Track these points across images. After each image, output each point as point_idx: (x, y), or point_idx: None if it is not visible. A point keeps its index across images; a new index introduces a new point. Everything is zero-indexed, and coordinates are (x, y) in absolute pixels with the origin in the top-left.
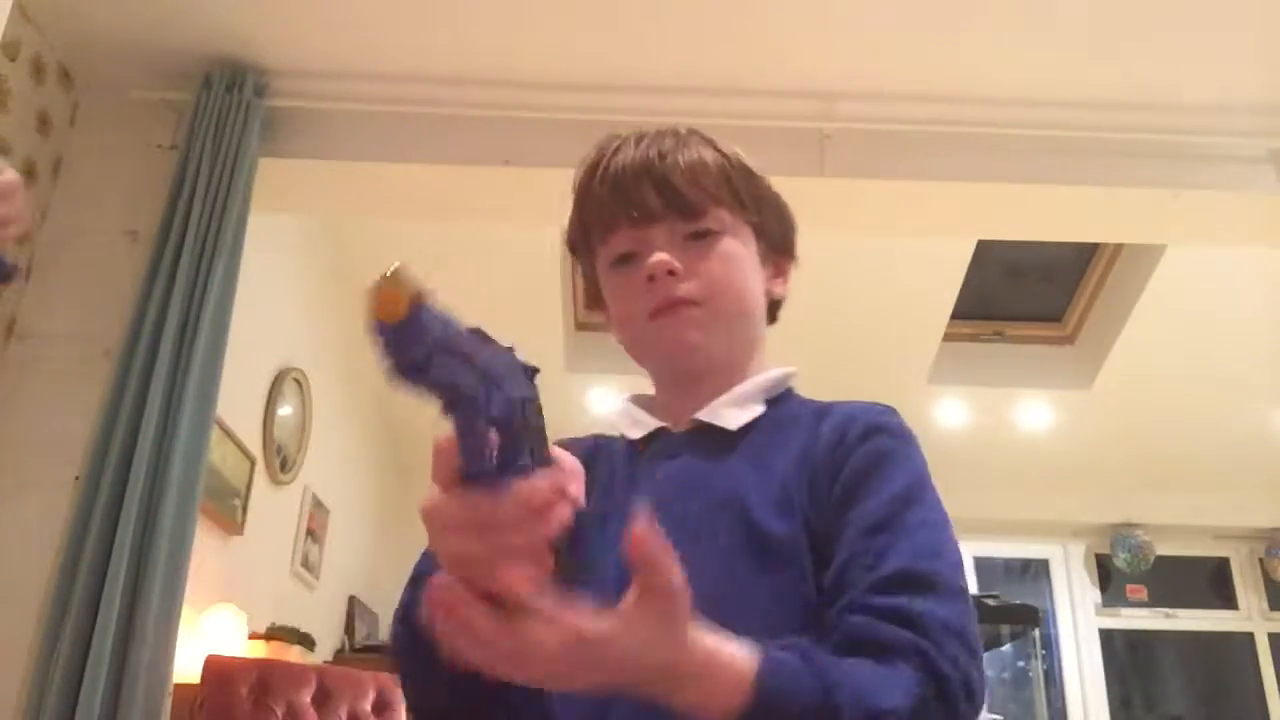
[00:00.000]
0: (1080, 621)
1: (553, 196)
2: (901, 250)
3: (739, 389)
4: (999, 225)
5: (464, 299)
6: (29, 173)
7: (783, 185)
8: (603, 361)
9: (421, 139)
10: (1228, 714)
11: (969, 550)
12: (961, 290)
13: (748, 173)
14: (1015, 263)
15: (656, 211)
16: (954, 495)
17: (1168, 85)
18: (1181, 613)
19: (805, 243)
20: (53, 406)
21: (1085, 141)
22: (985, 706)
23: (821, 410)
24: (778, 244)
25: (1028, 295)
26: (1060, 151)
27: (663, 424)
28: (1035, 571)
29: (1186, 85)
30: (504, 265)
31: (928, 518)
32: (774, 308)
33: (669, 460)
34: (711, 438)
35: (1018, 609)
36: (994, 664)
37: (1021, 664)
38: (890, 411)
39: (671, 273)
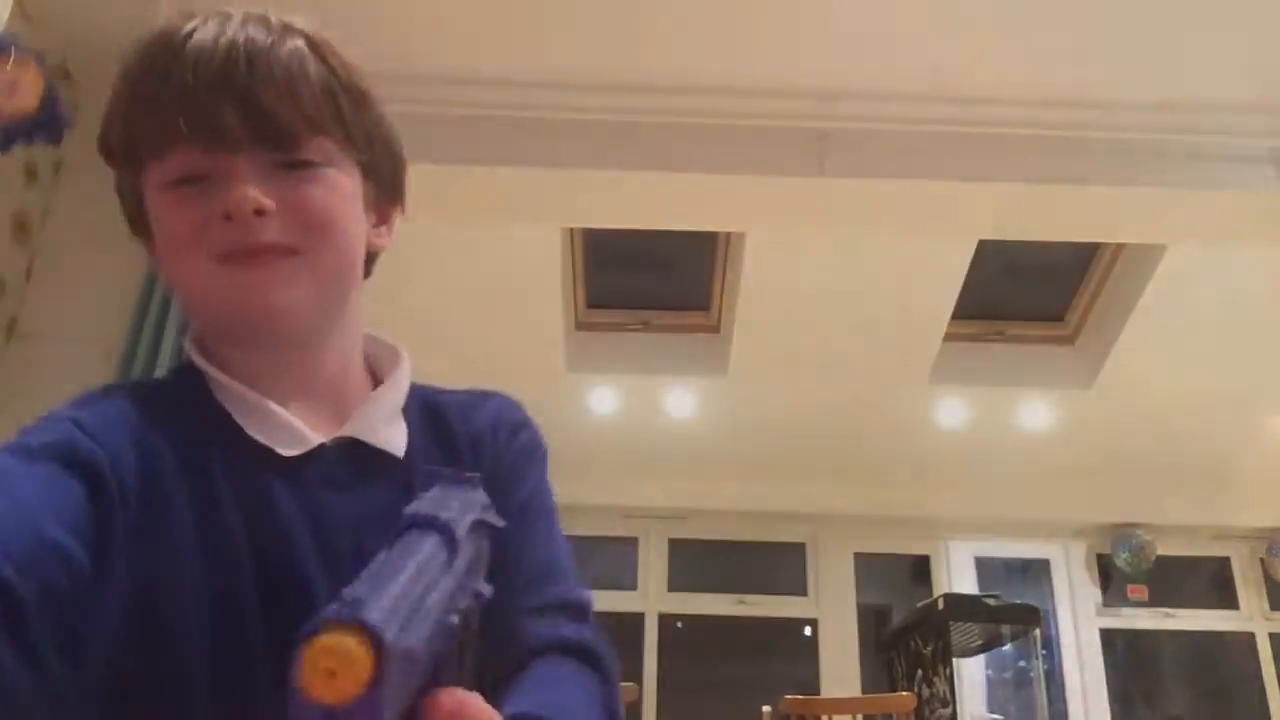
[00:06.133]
0: (1081, 621)
1: (554, 196)
2: (902, 250)
3: (384, 397)
4: (999, 225)
5: (465, 300)
6: (29, 173)
7: (784, 185)
8: (604, 361)
9: (422, 139)
10: (1228, 714)
11: (970, 550)
12: (962, 290)
13: (360, 96)
14: (1016, 263)
15: (239, 139)
16: (954, 495)
17: (1168, 85)
18: (1182, 613)
19: (806, 242)
20: (53, 407)
21: (1086, 141)
22: (985, 706)
23: (453, 411)
24: (387, 187)
25: (1028, 295)
26: (1060, 152)
27: (315, 436)
28: (1036, 571)
29: (1187, 85)
30: (504, 265)
31: (558, 528)
32: (370, 262)
33: (339, 492)
34: (370, 460)
35: (1018, 609)
36: (995, 664)
37: (1022, 664)
38: (521, 406)
39: (259, 212)
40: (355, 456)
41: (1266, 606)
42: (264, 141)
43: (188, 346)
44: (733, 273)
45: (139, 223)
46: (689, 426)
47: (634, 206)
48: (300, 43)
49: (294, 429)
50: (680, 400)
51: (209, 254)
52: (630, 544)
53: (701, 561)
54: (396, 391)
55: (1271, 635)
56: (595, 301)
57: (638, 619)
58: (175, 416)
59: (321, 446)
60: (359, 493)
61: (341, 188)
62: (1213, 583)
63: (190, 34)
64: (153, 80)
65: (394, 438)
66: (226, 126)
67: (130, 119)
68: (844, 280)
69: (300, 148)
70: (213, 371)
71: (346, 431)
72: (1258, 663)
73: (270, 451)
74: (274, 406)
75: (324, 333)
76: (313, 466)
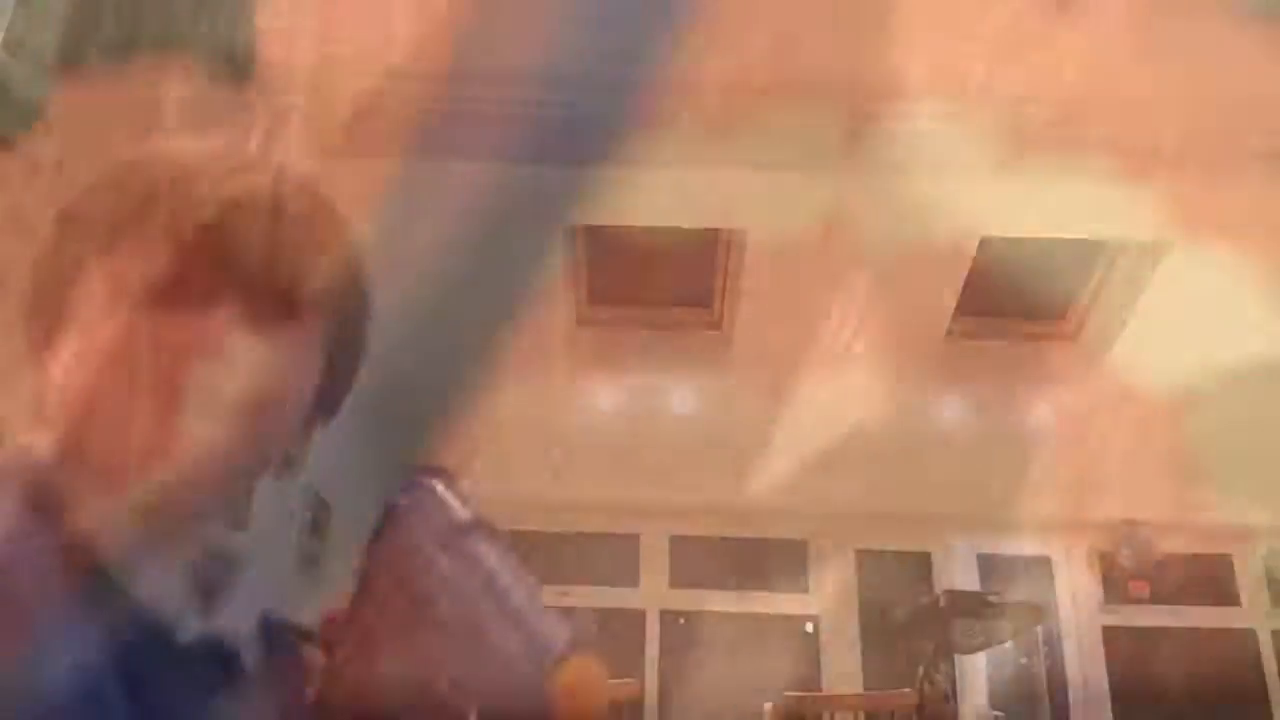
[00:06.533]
0: (1083, 619)
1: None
2: (903, 248)
3: (249, 609)
4: (1001, 223)
5: (465, 295)
6: (30, 171)
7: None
8: (606, 359)
9: (423, 137)
10: (1228, 711)
11: (972, 547)
12: (964, 288)
13: (365, 307)
14: (1018, 260)
15: (249, 269)
16: (956, 492)
17: (1169, 84)
18: (1184, 610)
19: (807, 240)
20: None
21: (1086, 141)
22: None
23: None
24: (331, 395)
25: (1030, 293)
26: (1061, 150)
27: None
28: (1038, 568)
29: (1187, 84)
30: (505, 262)
31: None
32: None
33: (202, 696)
34: (228, 666)
35: (1020, 606)
36: (996, 661)
37: (1024, 661)
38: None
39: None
40: (217, 659)
41: (1268, 604)
42: (270, 286)
43: (46, 464)
44: (735, 269)
45: (50, 304)
46: (691, 422)
47: (635, 204)
48: (346, 232)
49: (188, 607)
50: (682, 396)
51: (134, 372)
52: (632, 540)
53: (703, 558)
54: (254, 604)
55: (1273, 633)
56: (598, 298)
57: (639, 616)
58: (30, 550)
59: (191, 639)
60: (215, 701)
61: (306, 375)
62: (1214, 580)
63: (243, 170)
64: (185, 183)
65: (252, 649)
66: (249, 246)
67: (141, 210)
68: (845, 277)
69: (299, 315)
70: (94, 502)
71: (217, 629)
72: (1259, 660)
73: (157, 629)
74: (171, 571)
75: (203, 520)
76: (189, 658)
